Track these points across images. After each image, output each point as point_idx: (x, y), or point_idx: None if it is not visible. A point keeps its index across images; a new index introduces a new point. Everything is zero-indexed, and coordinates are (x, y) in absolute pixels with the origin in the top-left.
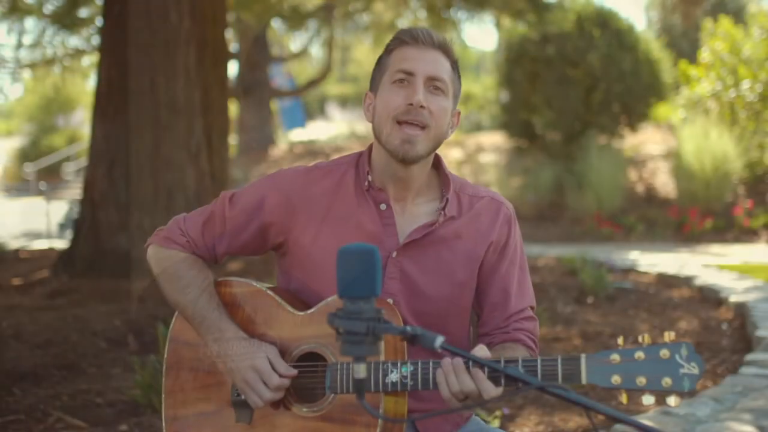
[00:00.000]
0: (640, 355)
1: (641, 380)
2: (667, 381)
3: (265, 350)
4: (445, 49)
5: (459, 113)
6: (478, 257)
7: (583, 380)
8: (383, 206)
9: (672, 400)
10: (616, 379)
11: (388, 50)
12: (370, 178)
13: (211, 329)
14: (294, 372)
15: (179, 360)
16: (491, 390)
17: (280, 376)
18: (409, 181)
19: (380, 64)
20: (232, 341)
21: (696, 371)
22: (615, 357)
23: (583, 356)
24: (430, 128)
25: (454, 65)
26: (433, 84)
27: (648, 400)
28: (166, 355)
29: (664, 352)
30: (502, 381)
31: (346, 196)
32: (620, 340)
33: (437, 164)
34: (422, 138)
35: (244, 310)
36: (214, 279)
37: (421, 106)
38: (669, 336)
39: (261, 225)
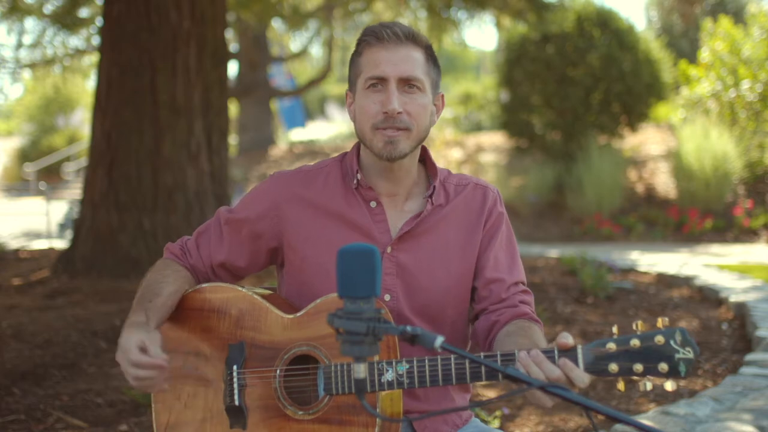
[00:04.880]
0: (635, 342)
1: (638, 367)
2: (663, 367)
3: (145, 335)
4: (414, 40)
5: (442, 96)
6: (475, 245)
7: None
8: (373, 204)
9: (669, 385)
10: (613, 368)
11: (358, 51)
12: (359, 176)
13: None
14: (160, 358)
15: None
16: (584, 377)
17: (148, 360)
18: (399, 174)
19: (353, 64)
20: (128, 324)
21: (691, 355)
22: (611, 345)
23: (579, 347)
24: (411, 130)
25: (427, 51)
26: (407, 84)
27: (646, 386)
28: None
29: (659, 339)
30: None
31: (334, 196)
32: (615, 329)
33: (424, 157)
34: (403, 138)
35: (231, 315)
36: (197, 287)
37: (398, 112)
38: (662, 322)
39: (253, 233)
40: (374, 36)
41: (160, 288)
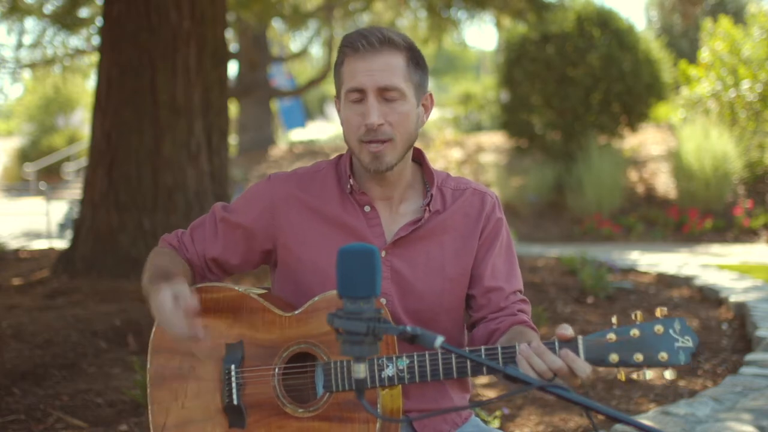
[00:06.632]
0: (635, 332)
1: (638, 357)
2: (663, 355)
3: (172, 286)
4: (391, 45)
5: (430, 95)
6: (470, 251)
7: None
8: (367, 208)
9: (668, 374)
10: (613, 358)
11: (339, 60)
12: (351, 182)
13: (148, 288)
14: (191, 304)
15: (164, 368)
16: (585, 367)
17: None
18: (392, 180)
19: (336, 73)
20: (152, 292)
21: (690, 344)
22: (611, 336)
23: (580, 338)
24: (395, 139)
25: (409, 53)
26: (387, 94)
27: (647, 375)
28: (149, 365)
29: (658, 328)
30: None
31: (330, 200)
32: (614, 320)
33: (420, 160)
34: (389, 149)
35: (227, 314)
36: (197, 285)
37: (380, 124)
38: (661, 312)
39: (247, 234)
40: (350, 46)
41: (174, 268)
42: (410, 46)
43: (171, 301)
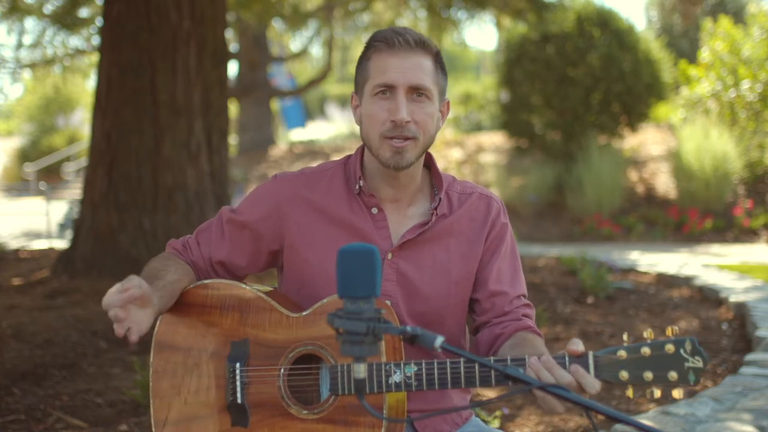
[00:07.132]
0: (645, 350)
1: (648, 375)
2: (673, 375)
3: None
4: (424, 47)
5: (448, 102)
6: (476, 255)
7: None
8: (375, 210)
9: (676, 393)
10: (623, 375)
11: (367, 55)
12: (361, 182)
13: None
14: (130, 290)
15: (167, 364)
16: (595, 384)
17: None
18: (404, 181)
19: (360, 68)
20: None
21: (700, 364)
22: (622, 353)
23: (590, 353)
24: (418, 138)
25: (436, 58)
26: (415, 92)
27: (654, 393)
28: (152, 359)
29: (669, 347)
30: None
31: (337, 201)
32: (625, 336)
33: (429, 163)
34: (411, 147)
35: (233, 312)
36: (200, 283)
37: (407, 121)
38: (672, 331)
39: (255, 235)
40: (384, 42)
41: (162, 273)
42: (438, 52)
43: (120, 284)
